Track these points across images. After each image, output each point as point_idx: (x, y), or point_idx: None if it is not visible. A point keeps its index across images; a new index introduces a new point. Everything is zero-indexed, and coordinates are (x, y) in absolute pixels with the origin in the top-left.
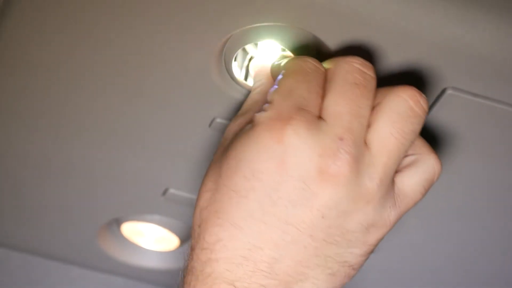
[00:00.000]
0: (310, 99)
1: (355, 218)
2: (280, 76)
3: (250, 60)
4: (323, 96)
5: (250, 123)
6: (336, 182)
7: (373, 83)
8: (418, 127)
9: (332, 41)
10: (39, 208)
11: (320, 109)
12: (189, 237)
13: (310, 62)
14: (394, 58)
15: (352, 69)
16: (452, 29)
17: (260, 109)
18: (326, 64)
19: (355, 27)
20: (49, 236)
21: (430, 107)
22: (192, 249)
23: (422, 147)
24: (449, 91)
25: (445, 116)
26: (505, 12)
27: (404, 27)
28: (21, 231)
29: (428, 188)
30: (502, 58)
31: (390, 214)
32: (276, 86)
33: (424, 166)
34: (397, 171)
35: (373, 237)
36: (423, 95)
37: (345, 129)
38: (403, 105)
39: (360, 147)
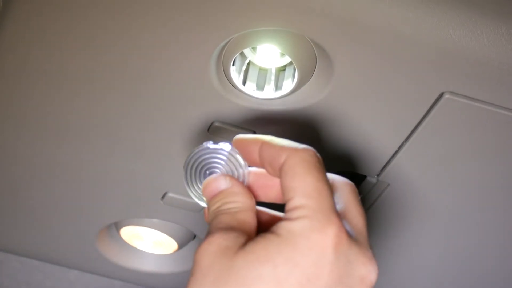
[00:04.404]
0: (332, 199)
1: None
2: (284, 176)
3: (248, 64)
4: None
5: (273, 232)
6: (371, 286)
7: None
8: None
9: (330, 46)
10: (38, 212)
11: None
12: (187, 241)
13: (314, 155)
14: (392, 62)
15: (355, 190)
16: (449, 33)
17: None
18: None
19: (353, 32)
20: (49, 240)
21: (428, 111)
22: None
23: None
24: (446, 95)
25: (443, 120)
26: (502, 17)
27: (402, 31)
28: (20, 235)
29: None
30: (500, 62)
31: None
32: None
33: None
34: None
35: None
36: None
37: (368, 242)
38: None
39: None
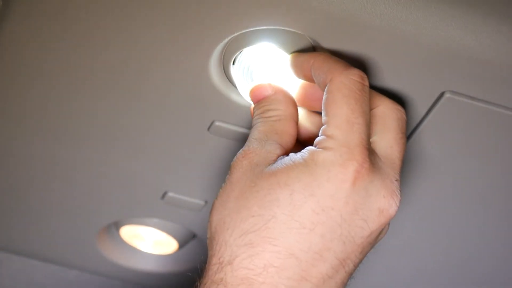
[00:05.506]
0: (367, 133)
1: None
2: (325, 99)
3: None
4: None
5: (299, 156)
6: (389, 218)
7: None
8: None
9: (330, 45)
10: (38, 211)
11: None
12: (187, 240)
13: (358, 82)
14: (393, 62)
15: (402, 118)
16: (450, 32)
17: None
18: (375, 101)
19: (353, 31)
20: (49, 240)
21: (429, 111)
22: (219, 262)
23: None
24: (447, 95)
25: (443, 119)
26: (503, 16)
27: (402, 30)
28: (20, 235)
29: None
30: (500, 62)
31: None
32: (325, 115)
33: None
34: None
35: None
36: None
37: (398, 173)
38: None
39: None
